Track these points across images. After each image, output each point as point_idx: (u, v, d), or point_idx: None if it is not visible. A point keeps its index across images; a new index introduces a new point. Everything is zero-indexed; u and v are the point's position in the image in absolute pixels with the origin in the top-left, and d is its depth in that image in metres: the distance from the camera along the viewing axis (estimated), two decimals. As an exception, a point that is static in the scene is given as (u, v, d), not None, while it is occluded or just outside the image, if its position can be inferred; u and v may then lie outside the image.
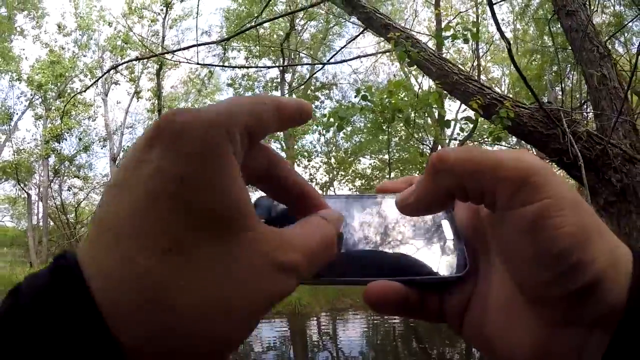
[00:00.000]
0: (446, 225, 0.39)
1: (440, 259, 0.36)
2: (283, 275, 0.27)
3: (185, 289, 0.23)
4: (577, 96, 4.71)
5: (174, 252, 0.23)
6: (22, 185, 18.34)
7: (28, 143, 19.20)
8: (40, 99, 18.64)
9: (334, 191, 20.20)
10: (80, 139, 18.89)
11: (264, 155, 0.33)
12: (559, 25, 4.07)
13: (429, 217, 0.40)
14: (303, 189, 0.35)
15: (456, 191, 0.31)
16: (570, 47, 3.92)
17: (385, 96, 4.43)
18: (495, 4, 3.25)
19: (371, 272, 0.36)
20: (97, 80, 14.04)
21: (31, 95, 18.72)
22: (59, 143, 17.89)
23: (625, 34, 8.51)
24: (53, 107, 17.89)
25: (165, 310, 0.22)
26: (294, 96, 18.22)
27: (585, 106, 4.10)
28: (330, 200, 0.42)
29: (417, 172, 16.06)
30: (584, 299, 0.27)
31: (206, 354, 0.24)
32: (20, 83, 18.63)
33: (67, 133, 18.03)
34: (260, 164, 0.33)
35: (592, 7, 3.78)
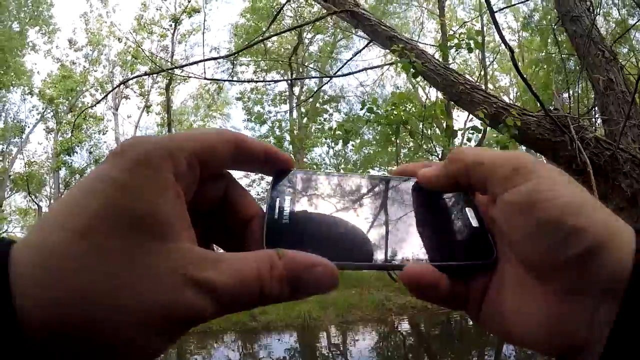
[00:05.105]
0: (470, 213, 0.39)
1: (467, 245, 0.37)
2: (192, 291, 0.26)
3: (83, 271, 0.24)
4: (585, 102, 4.69)
5: (84, 236, 0.25)
6: (33, 197, 18.53)
7: (39, 156, 19.52)
8: (51, 113, 18.94)
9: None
10: (90, 152, 19.10)
11: (222, 184, 0.36)
12: (565, 33, 4.06)
13: (455, 205, 0.40)
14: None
15: (462, 178, 0.36)
16: (575, 53, 3.91)
17: (390, 108, 4.44)
18: (497, 12, 3.25)
19: (404, 256, 0.35)
20: (106, 95, 14.22)
21: (43, 108, 19.03)
22: (70, 156, 18.07)
23: (632, 38, 8.49)
24: (64, 121, 18.15)
25: (61, 281, 0.24)
26: (302, 109, 18.40)
27: (593, 112, 4.07)
28: (351, 180, 0.41)
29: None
30: (587, 265, 0.28)
31: (94, 339, 0.24)
32: (32, 97, 19.01)
33: (78, 146, 18.22)
34: (217, 191, 0.35)
35: (596, 12, 3.76)
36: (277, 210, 0.36)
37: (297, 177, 0.39)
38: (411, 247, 0.36)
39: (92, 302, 0.24)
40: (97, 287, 0.24)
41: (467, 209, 0.39)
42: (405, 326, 11.37)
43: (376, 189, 0.41)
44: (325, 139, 17.54)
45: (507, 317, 0.33)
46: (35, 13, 18.88)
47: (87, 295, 0.24)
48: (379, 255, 0.35)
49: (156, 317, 0.25)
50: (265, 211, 0.36)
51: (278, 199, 0.37)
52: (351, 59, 7.28)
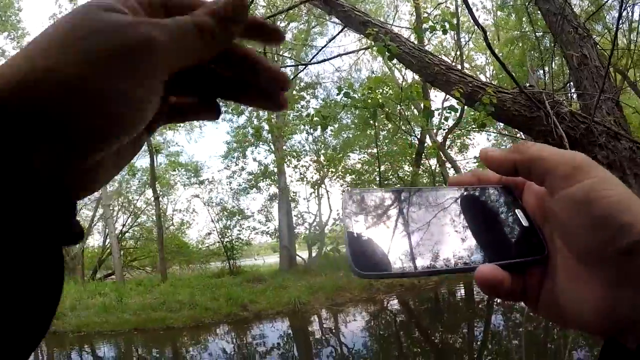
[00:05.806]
0: (520, 214, 0.43)
1: (522, 244, 0.41)
2: (142, 27, 0.30)
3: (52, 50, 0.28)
4: (561, 78, 4.77)
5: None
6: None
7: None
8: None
9: (325, 189, 20.21)
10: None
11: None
12: (539, 12, 4.12)
13: (506, 208, 0.44)
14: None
15: (522, 167, 0.40)
16: (550, 31, 3.98)
17: (366, 92, 4.48)
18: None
19: (473, 259, 0.40)
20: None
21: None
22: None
23: (604, 16, 8.60)
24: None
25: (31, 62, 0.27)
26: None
27: (568, 87, 4.15)
28: (410, 192, 0.46)
29: (407, 164, 16.07)
30: (632, 258, 0.33)
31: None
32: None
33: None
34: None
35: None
36: (355, 230, 0.40)
37: (363, 197, 0.44)
38: (477, 249, 0.41)
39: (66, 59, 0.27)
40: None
41: (517, 210, 0.43)
42: (394, 304, 11.53)
43: (438, 200, 0.45)
44: (304, 125, 17.50)
45: (563, 305, 0.38)
46: (3, 18, 18.35)
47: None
48: (453, 260, 0.40)
49: (117, 55, 0.28)
50: (345, 234, 0.40)
51: (354, 219, 0.41)
52: (325, 45, 7.28)
